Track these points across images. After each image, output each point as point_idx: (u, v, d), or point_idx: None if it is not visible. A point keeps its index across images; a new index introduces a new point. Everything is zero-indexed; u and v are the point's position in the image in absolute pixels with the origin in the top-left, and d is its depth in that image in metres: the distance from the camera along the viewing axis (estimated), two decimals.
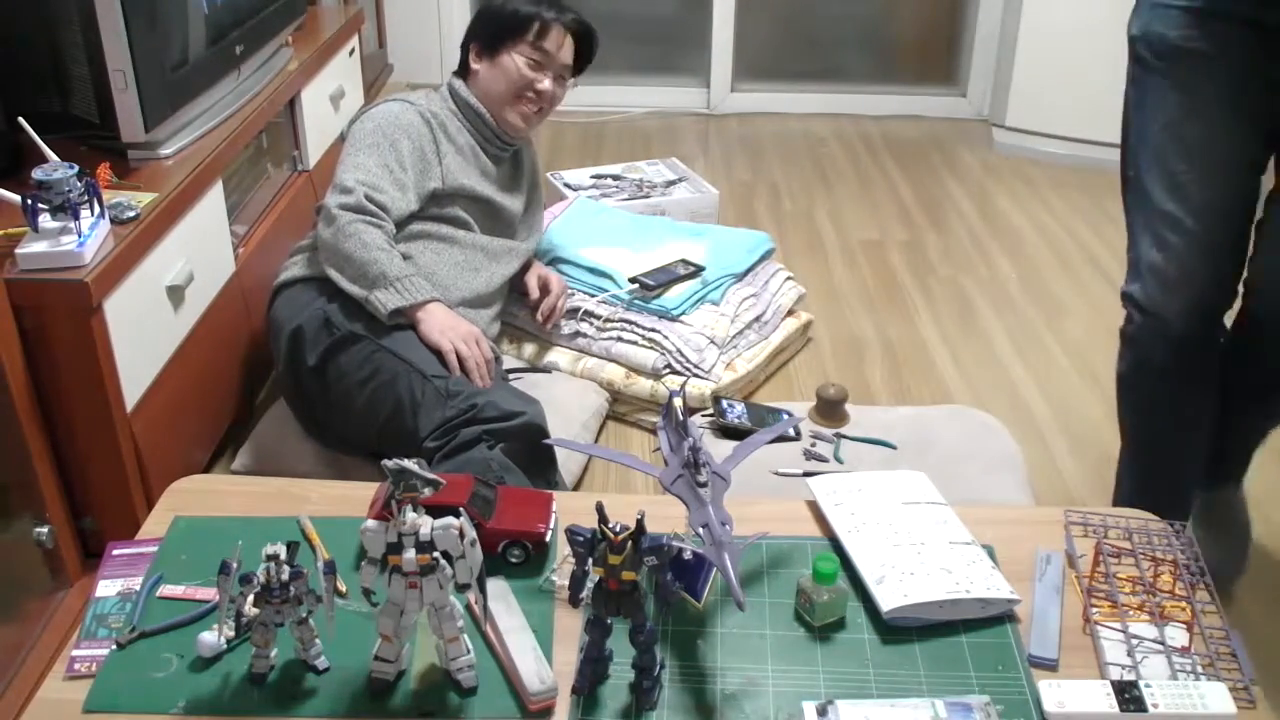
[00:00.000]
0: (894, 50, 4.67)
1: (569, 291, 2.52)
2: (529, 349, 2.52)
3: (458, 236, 2.21)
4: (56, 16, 1.94)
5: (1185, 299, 1.70)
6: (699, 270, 2.59)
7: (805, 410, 2.15)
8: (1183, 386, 1.79)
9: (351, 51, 3.18)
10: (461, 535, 1.09)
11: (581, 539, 1.13)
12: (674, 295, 2.51)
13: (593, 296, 2.52)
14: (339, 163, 2.14)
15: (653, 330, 2.44)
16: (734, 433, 2.04)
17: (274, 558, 1.12)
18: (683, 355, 2.41)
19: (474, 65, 2.27)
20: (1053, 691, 1.15)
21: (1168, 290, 1.70)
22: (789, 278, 2.80)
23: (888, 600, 1.27)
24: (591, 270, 2.58)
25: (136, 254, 1.82)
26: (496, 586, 1.28)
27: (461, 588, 1.12)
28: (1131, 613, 1.27)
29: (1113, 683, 1.15)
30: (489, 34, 2.25)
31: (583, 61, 2.33)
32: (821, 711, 1.10)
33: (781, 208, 3.67)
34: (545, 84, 2.24)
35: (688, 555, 1.28)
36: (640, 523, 1.11)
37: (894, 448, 2.05)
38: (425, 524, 1.10)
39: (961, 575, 1.29)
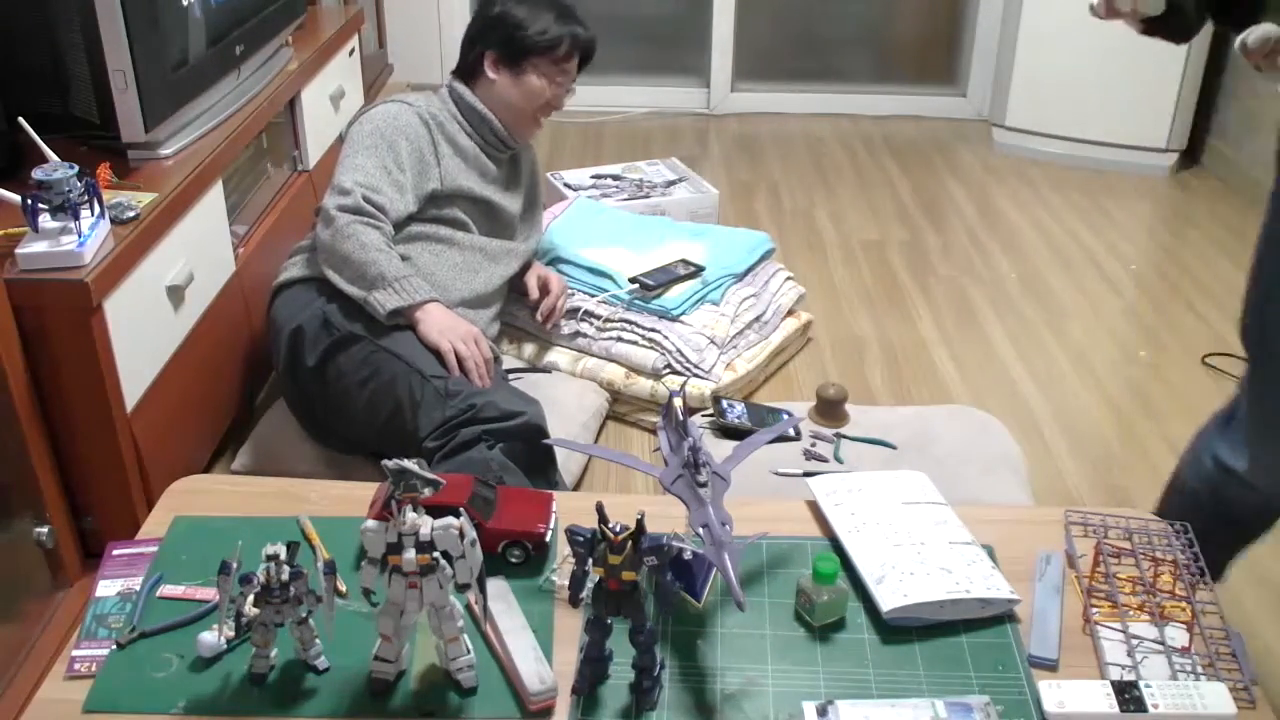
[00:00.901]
0: (894, 50, 4.67)
1: (569, 291, 2.52)
2: (529, 349, 2.52)
3: (456, 238, 2.21)
4: (56, 16, 1.94)
5: None
6: (699, 270, 2.59)
7: (805, 410, 2.15)
8: (1241, 528, 1.65)
9: (351, 52, 3.18)
10: (461, 535, 1.09)
11: (581, 539, 1.13)
12: (674, 295, 2.51)
13: (593, 296, 2.52)
14: (337, 164, 2.14)
15: (653, 330, 2.44)
16: (734, 433, 2.04)
17: (274, 558, 1.12)
18: (683, 355, 2.41)
19: (490, 74, 2.24)
20: (1053, 691, 1.15)
21: (1269, 476, 1.48)
22: (789, 278, 2.79)
23: (888, 600, 1.27)
24: (591, 270, 2.58)
25: (136, 254, 1.82)
26: (496, 586, 1.28)
27: (461, 588, 1.12)
28: (1131, 613, 1.27)
29: (1113, 683, 1.15)
30: (511, 47, 2.22)
31: (580, 69, 2.36)
32: (821, 711, 1.10)
33: (781, 207, 3.67)
34: (563, 99, 2.30)
35: (688, 555, 1.28)
36: (640, 523, 1.11)
37: (894, 448, 2.05)
38: (425, 524, 1.09)
39: (961, 575, 1.29)
